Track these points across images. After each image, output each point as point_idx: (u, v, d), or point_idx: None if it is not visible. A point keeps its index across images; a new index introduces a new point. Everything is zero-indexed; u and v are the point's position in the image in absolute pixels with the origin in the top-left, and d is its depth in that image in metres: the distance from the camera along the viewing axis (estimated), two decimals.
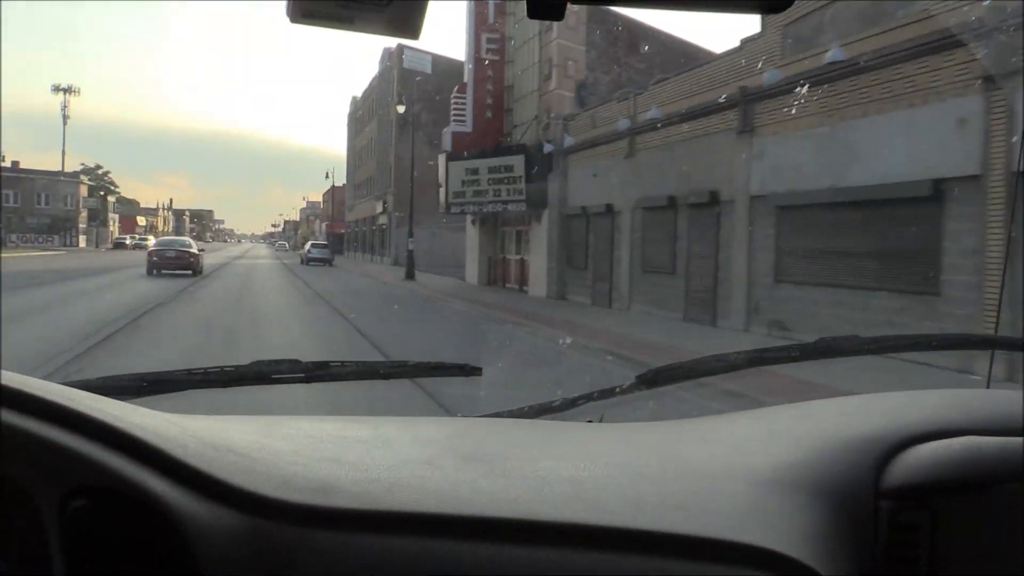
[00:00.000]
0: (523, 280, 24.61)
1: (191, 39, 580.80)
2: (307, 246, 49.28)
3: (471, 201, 24.08)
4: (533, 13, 0.67)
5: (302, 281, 28.31)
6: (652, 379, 1.46)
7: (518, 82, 25.29)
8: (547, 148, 21.35)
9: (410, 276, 29.71)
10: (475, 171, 23.63)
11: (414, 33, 0.74)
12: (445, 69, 40.25)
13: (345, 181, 66.67)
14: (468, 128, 25.70)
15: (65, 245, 73.18)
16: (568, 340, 12.00)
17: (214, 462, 0.81)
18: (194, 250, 28.43)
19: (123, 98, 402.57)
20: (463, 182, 23.98)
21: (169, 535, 0.75)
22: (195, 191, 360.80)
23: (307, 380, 1.43)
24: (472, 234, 28.74)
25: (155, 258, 27.12)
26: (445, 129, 26.47)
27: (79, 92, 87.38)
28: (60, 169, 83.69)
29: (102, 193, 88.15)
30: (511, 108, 26.03)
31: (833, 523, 0.89)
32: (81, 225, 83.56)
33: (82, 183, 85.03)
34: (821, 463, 0.97)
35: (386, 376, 1.52)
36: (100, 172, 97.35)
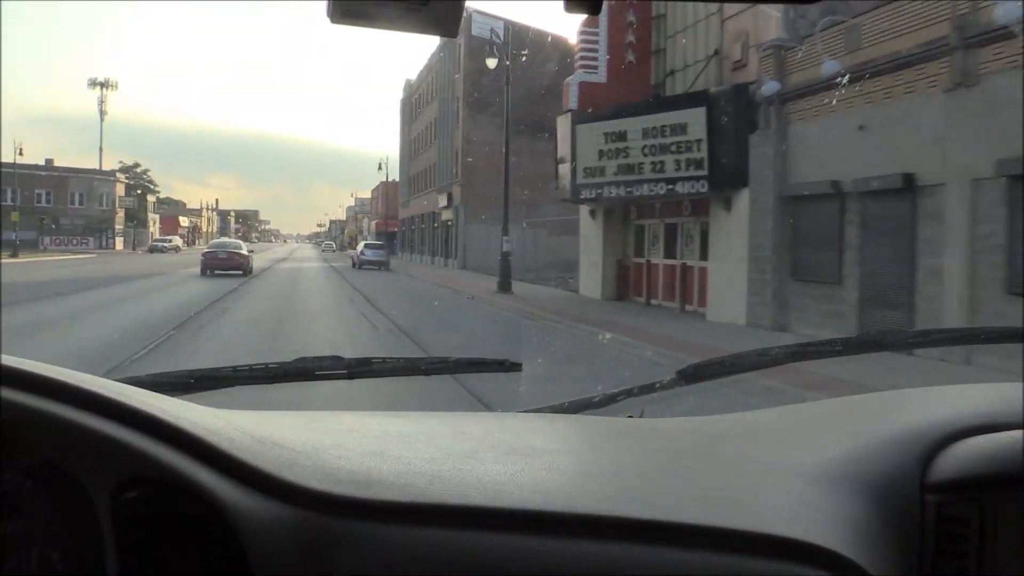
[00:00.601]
0: (685, 296, 16.91)
1: (235, 42, 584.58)
2: (360, 247, 42.22)
3: (614, 181, 16.31)
4: (569, 7, 0.70)
5: (360, 294, 21.37)
6: (692, 374, 1.45)
7: (674, 9, 17.50)
8: (768, 88, 13.30)
9: (505, 287, 22.08)
10: (620, 135, 15.93)
11: (452, 31, 0.75)
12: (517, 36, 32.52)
13: (398, 175, 60.03)
14: (601, 77, 18.01)
15: (101, 247, 67.69)
16: None
17: (260, 455, 0.82)
18: (244, 251, 28.90)
19: (171, 101, 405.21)
20: (601, 153, 16.29)
21: (217, 526, 0.77)
22: (243, 192, 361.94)
23: (349, 376, 1.43)
24: (591, 230, 20.87)
25: (208, 260, 27.57)
26: (568, 79, 18.75)
27: (116, 86, 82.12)
28: (98, 167, 78.65)
29: (139, 192, 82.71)
30: (661, 48, 18.33)
31: (879, 518, 0.88)
32: (118, 227, 78.34)
33: (119, 181, 79.76)
34: (865, 458, 0.96)
35: (427, 372, 1.53)
36: (139, 170, 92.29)
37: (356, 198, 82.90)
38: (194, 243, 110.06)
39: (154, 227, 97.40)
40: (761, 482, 0.95)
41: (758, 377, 1.66)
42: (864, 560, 0.81)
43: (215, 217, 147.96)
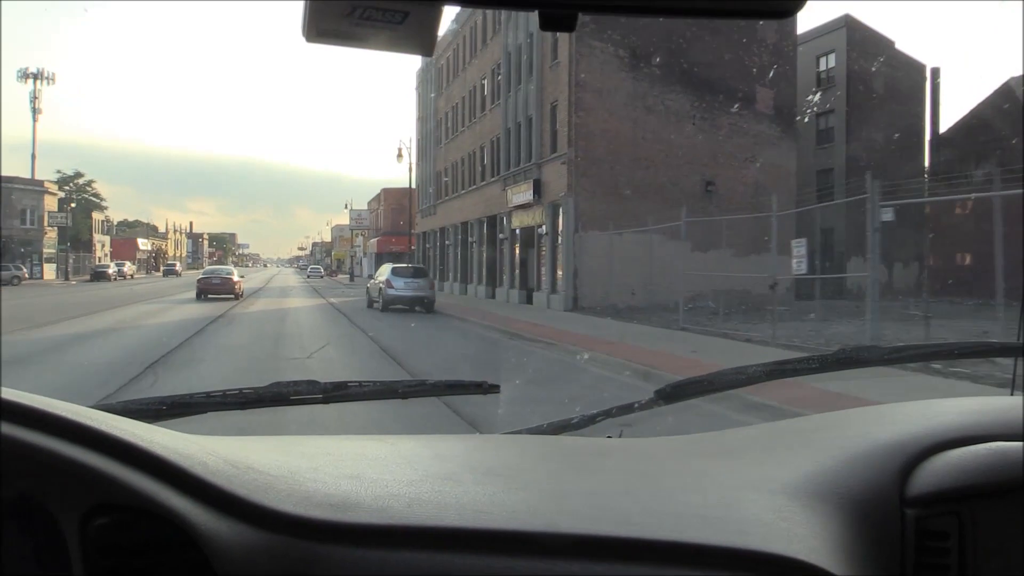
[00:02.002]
0: None
1: (214, 66, 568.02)
2: (383, 274, 24.40)
3: None
4: (545, 26, 0.70)
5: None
6: (671, 394, 1.45)
7: None
8: None
9: None
10: None
11: (428, 50, 0.74)
12: None
13: (415, 174, 43.63)
14: None
15: (21, 278, 49.92)
16: None
17: (234, 479, 0.81)
18: (235, 277, 30.87)
19: (148, 125, 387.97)
20: None
21: (190, 552, 0.75)
22: (223, 217, 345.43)
23: (325, 401, 1.41)
24: None
25: (203, 285, 29.63)
26: None
27: (54, 80, 64.51)
28: (30, 176, 61.23)
29: (72, 205, 64.97)
30: None
31: (859, 532, 0.89)
32: (47, 250, 60.74)
33: (49, 193, 62.20)
34: (844, 472, 0.96)
35: (404, 395, 1.51)
36: (80, 182, 74.69)
37: (352, 209, 66.68)
38: (156, 269, 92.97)
39: (102, 251, 79.78)
40: (740, 498, 0.94)
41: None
42: (844, 574, 0.82)
43: (184, 240, 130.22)
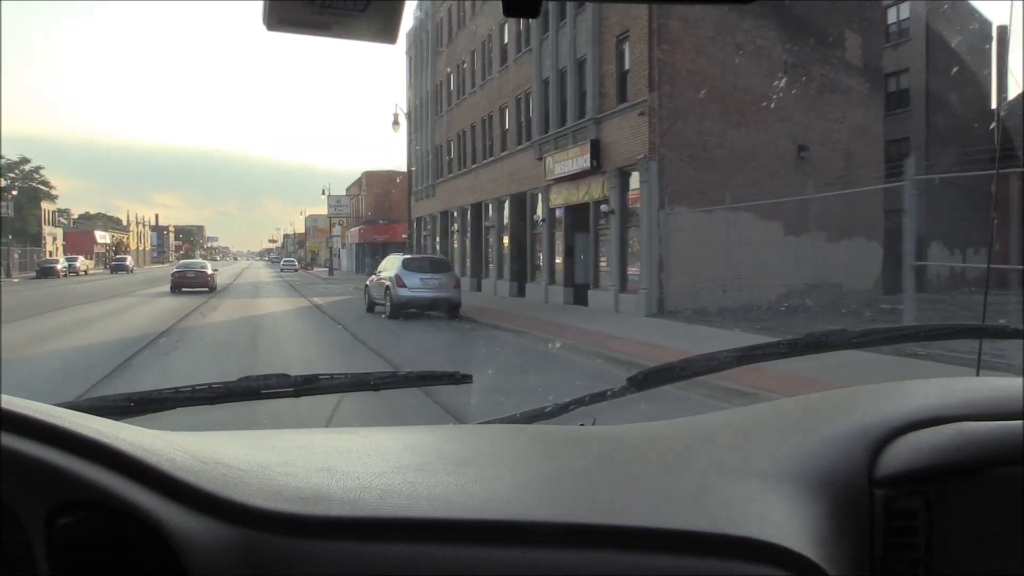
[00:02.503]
0: None
1: (182, 59, 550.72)
2: (392, 267, 17.87)
3: None
4: (508, 11, 0.70)
5: None
6: (642, 381, 1.44)
7: None
8: None
9: None
10: None
11: (391, 37, 0.74)
12: None
13: (406, 154, 37.15)
14: None
15: None
16: None
17: (203, 475, 0.81)
18: (209, 271, 30.89)
19: (116, 119, 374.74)
20: None
21: (159, 549, 0.74)
22: (191, 210, 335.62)
23: (296, 394, 1.39)
24: None
25: (177, 278, 29.35)
26: None
27: None
28: None
29: (14, 192, 57.47)
30: None
31: (829, 514, 0.89)
32: None
33: None
34: (815, 455, 0.97)
35: (376, 387, 1.49)
36: (25, 168, 67.01)
37: (329, 196, 59.58)
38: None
39: (54, 244, 72.42)
40: (712, 483, 0.95)
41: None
42: (815, 555, 0.82)
43: (148, 233, 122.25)
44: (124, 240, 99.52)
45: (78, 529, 0.74)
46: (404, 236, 37.47)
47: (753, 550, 0.81)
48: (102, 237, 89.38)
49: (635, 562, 0.79)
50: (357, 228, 59.19)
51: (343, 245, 68.79)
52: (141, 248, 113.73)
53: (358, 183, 62.17)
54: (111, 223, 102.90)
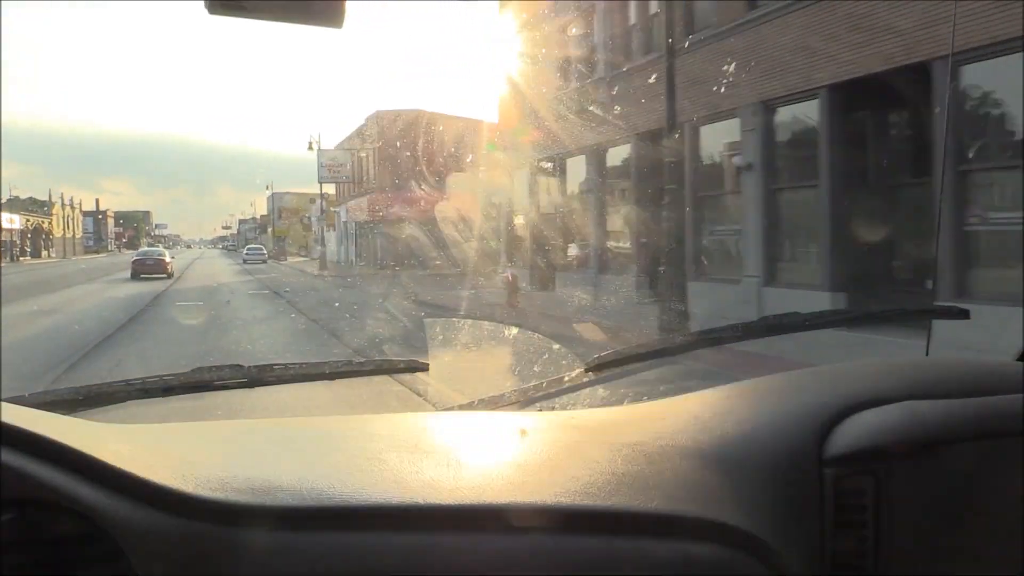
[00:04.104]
0: None
1: (124, 41, 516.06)
2: None
3: None
4: None
5: None
6: (599, 366, 1.45)
7: None
8: None
9: None
10: None
11: (337, 22, 0.72)
12: None
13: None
14: None
15: None
16: None
17: (149, 467, 0.79)
18: (167, 259, 32.69)
19: (59, 102, 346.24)
20: None
21: (104, 543, 0.73)
22: (141, 197, 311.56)
23: (250, 385, 1.37)
24: None
25: (137, 266, 30.92)
26: None
27: None
28: None
29: None
30: None
31: (780, 493, 0.90)
32: None
33: None
34: (764, 436, 0.98)
35: (332, 377, 1.47)
36: None
37: (320, 150, 40.18)
38: (22, 255, 66.48)
39: None
40: (663, 466, 0.95)
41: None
42: (766, 534, 0.84)
43: (78, 217, 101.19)
44: (44, 225, 79.29)
45: (20, 526, 0.72)
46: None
47: (706, 530, 0.82)
48: (9, 221, 69.10)
49: (590, 544, 0.80)
50: (364, 198, 40.86)
51: (330, 226, 50.29)
52: (71, 235, 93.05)
53: (359, 134, 43.12)
54: (31, 206, 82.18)
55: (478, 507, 0.81)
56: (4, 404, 0.81)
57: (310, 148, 40.83)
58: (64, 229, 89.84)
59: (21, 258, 65.46)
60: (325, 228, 51.10)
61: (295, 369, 1.43)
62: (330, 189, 49.83)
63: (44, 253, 78.86)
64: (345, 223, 46.19)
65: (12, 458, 0.72)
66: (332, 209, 50.07)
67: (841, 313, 1.83)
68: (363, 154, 41.35)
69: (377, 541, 0.77)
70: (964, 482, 0.93)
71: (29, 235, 74.86)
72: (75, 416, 1.02)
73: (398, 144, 34.88)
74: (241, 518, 0.76)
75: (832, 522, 0.90)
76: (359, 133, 42.58)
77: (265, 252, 58.86)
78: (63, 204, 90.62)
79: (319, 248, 46.39)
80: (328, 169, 42.01)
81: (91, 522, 0.73)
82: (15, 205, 75.36)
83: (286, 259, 59.08)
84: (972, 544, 0.93)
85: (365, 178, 41.30)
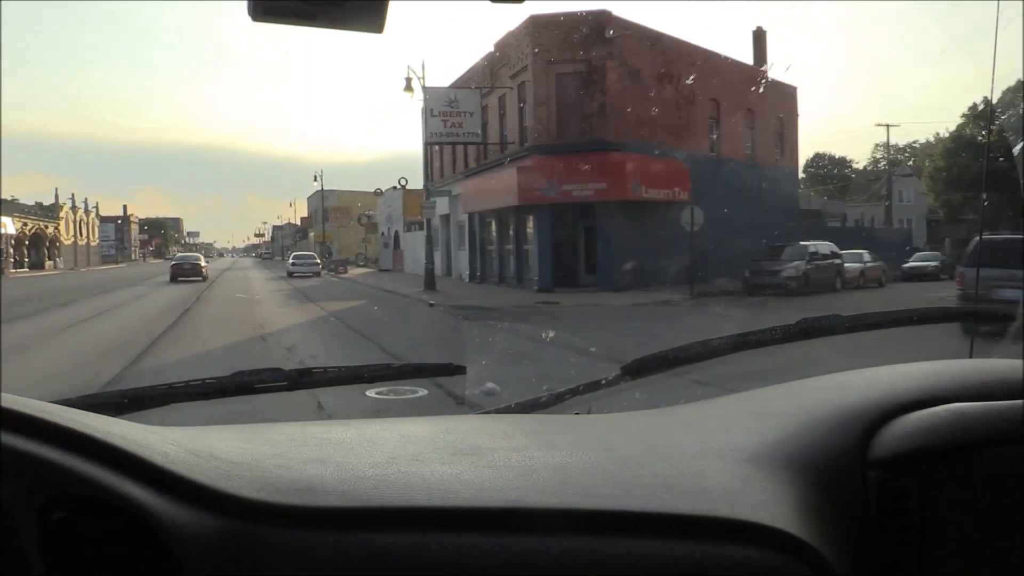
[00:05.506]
0: None
1: (166, 51, 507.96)
2: None
3: None
4: None
5: None
6: (636, 369, 1.44)
7: None
8: None
9: None
10: None
11: (378, 27, 0.73)
12: None
13: None
14: None
15: None
16: None
17: (195, 468, 0.80)
18: (202, 263, 35.88)
19: (93, 114, 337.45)
20: None
21: (151, 542, 0.74)
22: (173, 206, 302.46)
23: (290, 388, 1.38)
24: None
25: (175, 269, 34.34)
26: None
27: None
28: None
29: None
30: None
31: (823, 496, 0.90)
32: None
33: None
34: (807, 439, 0.97)
35: (370, 380, 1.48)
36: None
37: (426, 87, 23.67)
38: (19, 266, 51.90)
39: None
40: (707, 467, 0.94)
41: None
42: (810, 537, 0.83)
43: (95, 223, 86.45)
44: (49, 229, 64.22)
45: (70, 524, 0.73)
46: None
47: (749, 533, 0.81)
48: (7, 226, 53.82)
49: (633, 547, 0.80)
50: (515, 166, 21.79)
51: (420, 223, 33.90)
52: (86, 242, 77.80)
53: (494, 60, 26.51)
54: (38, 210, 66.97)
55: (522, 509, 0.81)
56: (54, 406, 0.82)
57: (407, 89, 24.55)
58: (76, 236, 74.43)
59: (14, 270, 50.30)
60: (405, 228, 34.94)
61: (334, 372, 1.45)
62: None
63: (49, 263, 63.30)
64: (458, 222, 29.97)
65: (63, 457, 0.73)
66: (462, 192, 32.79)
67: (884, 315, 1.40)
68: (502, 94, 24.92)
69: (421, 542, 0.77)
70: (1010, 486, 0.91)
71: (27, 242, 59.86)
72: (120, 418, 1.02)
73: (585, 66, 18.39)
74: (286, 518, 0.77)
75: (877, 525, 0.90)
76: (488, 62, 26.05)
77: (318, 261, 42.72)
78: (73, 207, 74.96)
79: (387, 252, 36.64)
80: (442, 120, 23.63)
81: (140, 521, 0.74)
82: (9, 208, 59.70)
83: (346, 270, 42.89)
84: (1016, 549, 0.91)
85: (505, 134, 24.84)
